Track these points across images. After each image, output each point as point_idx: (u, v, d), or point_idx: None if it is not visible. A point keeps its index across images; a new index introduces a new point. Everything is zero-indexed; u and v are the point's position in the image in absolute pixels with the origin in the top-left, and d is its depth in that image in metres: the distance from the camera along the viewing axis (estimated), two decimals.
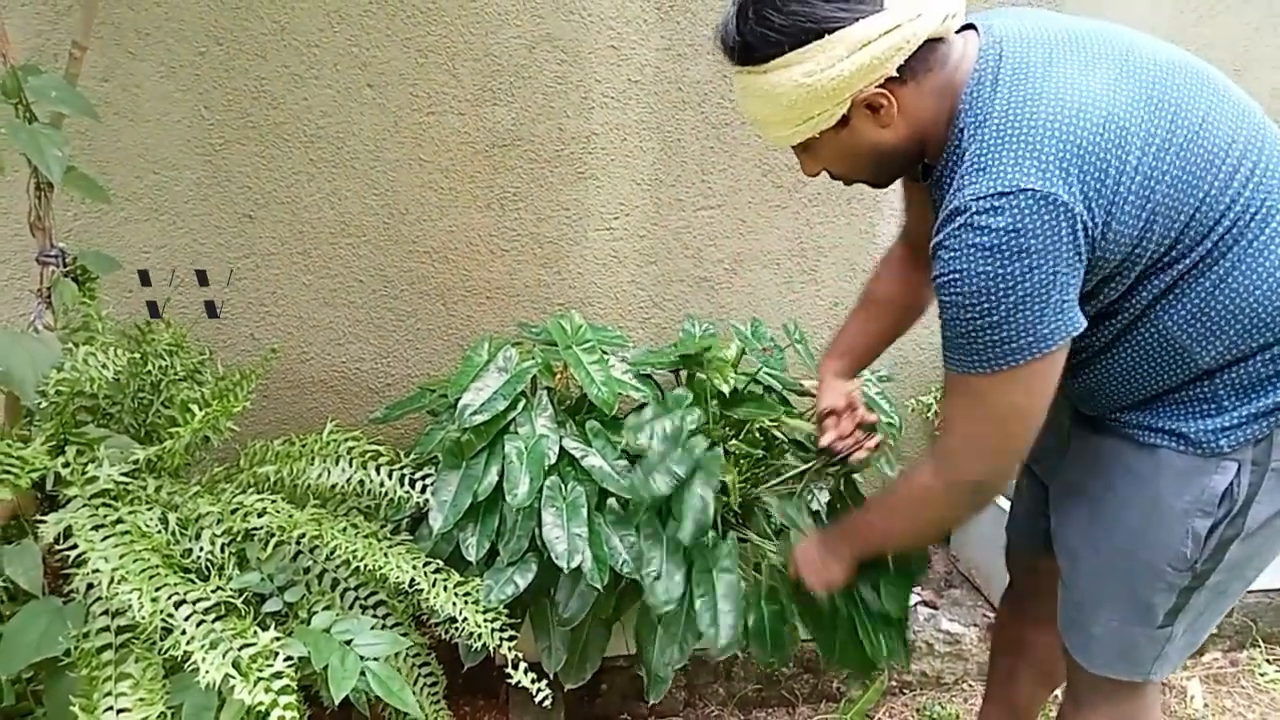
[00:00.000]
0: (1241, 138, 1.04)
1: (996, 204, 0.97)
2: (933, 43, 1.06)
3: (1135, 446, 1.17)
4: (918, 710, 2.05)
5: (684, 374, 1.84)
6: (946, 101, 1.08)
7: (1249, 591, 2.21)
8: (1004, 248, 0.97)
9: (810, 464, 1.65)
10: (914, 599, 2.17)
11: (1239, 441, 1.09)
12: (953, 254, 1.01)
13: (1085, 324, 1.04)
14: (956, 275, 1.01)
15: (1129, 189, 0.99)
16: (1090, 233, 0.99)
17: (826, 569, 1.41)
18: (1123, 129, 0.99)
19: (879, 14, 1.02)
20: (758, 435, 1.74)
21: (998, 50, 1.06)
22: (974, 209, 0.99)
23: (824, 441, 1.52)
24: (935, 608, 2.17)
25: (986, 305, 1.00)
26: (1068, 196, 0.97)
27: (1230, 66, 2.21)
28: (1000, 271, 0.98)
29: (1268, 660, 2.23)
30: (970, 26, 1.11)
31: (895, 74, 1.05)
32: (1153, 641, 1.22)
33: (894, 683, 2.09)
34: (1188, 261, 1.05)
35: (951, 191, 1.04)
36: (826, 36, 1.02)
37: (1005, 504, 2.07)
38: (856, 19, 1.02)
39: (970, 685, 2.12)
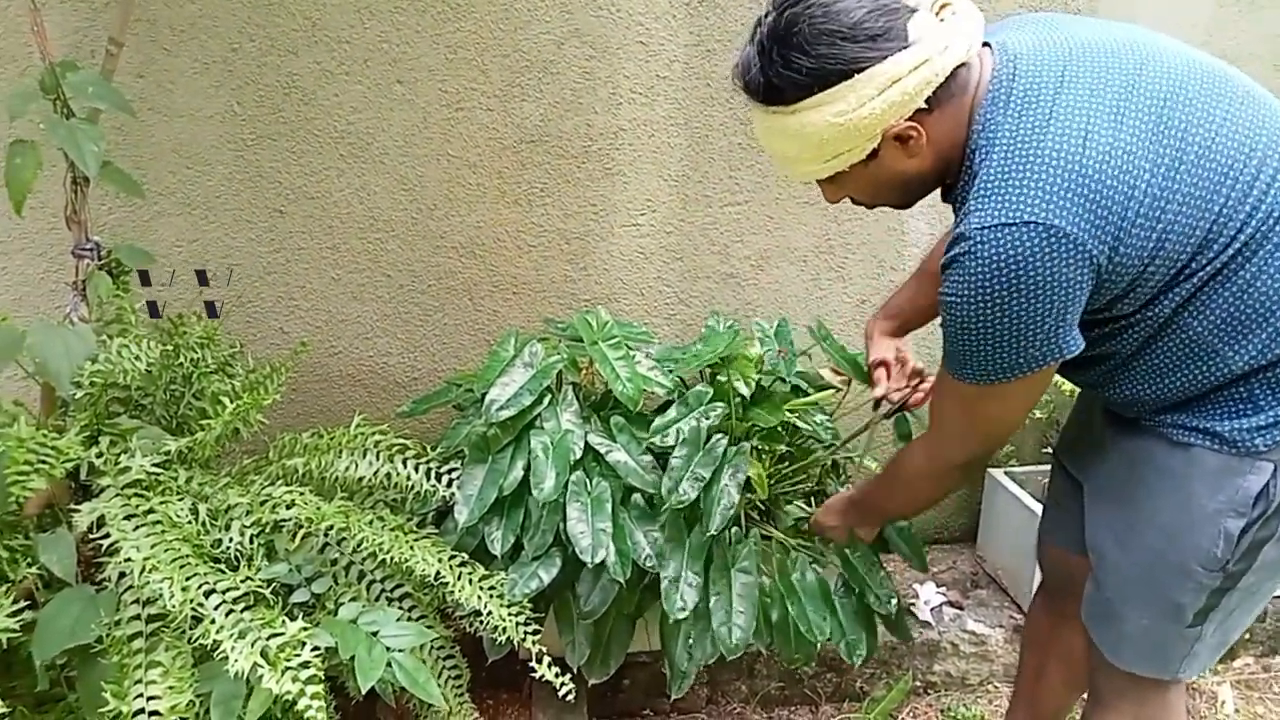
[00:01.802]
0: (1261, 143, 1.03)
1: (1000, 234, 0.99)
2: (957, 69, 1.05)
3: (1168, 445, 1.16)
4: (942, 711, 2.04)
5: (707, 371, 1.84)
6: (965, 123, 1.08)
7: None
8: (1004, 278, 0.99)
9: (870, 418, 1.64)
10: (939, 599, 2.15)
11: (1275, 441, 1.08)
12: (955, 278, 1.03)
13: (1081, 346, 1.06)
14: (957, 299, 1.04)
15: (1137, 214, 0.99)
16: (1095, 260, 1.00)
17: (839, 523, 1.57)
18: (1129, 156, 0.99)
19: (907, 49, 1.01)
20: (780, 430, 1.74)
21: (1011, 69, 1.06)
22: (977, 238, 1.00)
23: (877, 392, 1.55)
24: (961, 608, 2.15)
25: (983, 329, 1.03)
26: (1072, 228, 0.98)
27: (1271, 62, 2.17)
28: (998, 299, 1.01)
29: None
30: (986, 44, 1.10)
31: (923, 105, 1.05)
32: (1182, 640, 1.21)
33: (919, 683, 2.08)
34: (1210, 269, 1.04)
35: (961, 213, 1.05)
36: (856, 76, 1.02)
37: (1035, 505, 2.06)
38: (885, 56, 1.01)
39: (995, 687, 2.10)
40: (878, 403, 1.57)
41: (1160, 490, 1.18)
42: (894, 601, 1.72)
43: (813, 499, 1.83)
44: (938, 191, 1.19)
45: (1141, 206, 0.99)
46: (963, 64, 1.05)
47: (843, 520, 1.57)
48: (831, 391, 1.77)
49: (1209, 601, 1.17)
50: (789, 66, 1.03)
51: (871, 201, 1.22)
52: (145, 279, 1.80)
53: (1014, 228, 0.98)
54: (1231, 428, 1.10)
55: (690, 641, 1.63)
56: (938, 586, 2.20)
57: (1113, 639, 1.28)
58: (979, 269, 1.00)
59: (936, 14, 1.06)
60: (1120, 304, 1.08)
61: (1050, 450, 2.30)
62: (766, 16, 1.06)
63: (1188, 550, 1.15)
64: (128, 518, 1.29)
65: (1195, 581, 1.16)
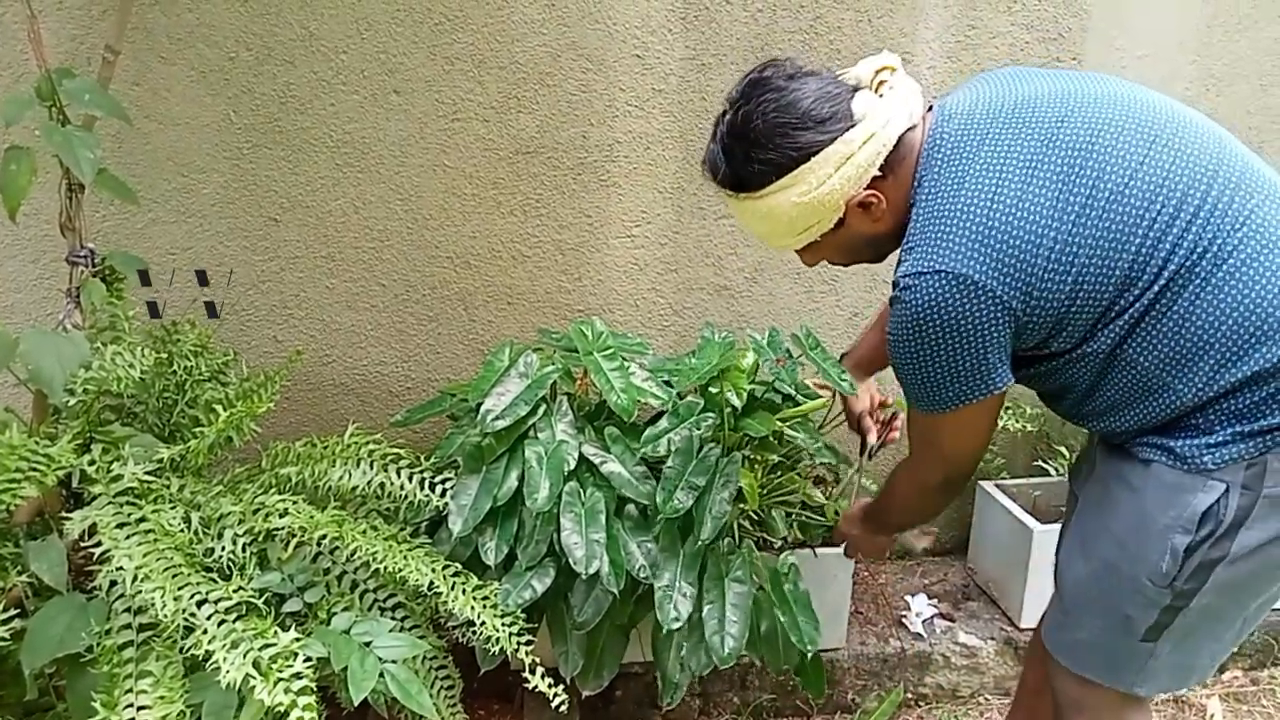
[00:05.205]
0: (1182, 181, 1.08)
1: (916, 282, 1.10)
2: (903, 135, 1.16)
3: (1134, 461, 1.20)
4: None
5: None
6: (911, 182, 1.18)
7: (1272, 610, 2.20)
8: (925, 320, 1.10)
9: (858, 462, 1.76)
10: (931, 611, 2.15)
11: (1225, 460, 1.11)
12: (891, 319, 1.15)
13: (1011, 381, 1.16)
14: (893, 337, 1.16)
15: (1046, 261, 1.07)
16: (1007, 305, 1.08)
17: (873, 541, 1.64)
18: (1035, 209, 1.07)
19: (854, 127, 1.13)
20: (772, 440, 1.74)
21: (941, 130, 1.16)
22: (901, 284, 1.12)
23: (871, 440, 1.68)
24: (952, 620, 2.16)
25: (915, 364, 1.15)
26: (980, 277, 1.07)
27: (1258, 81, 2.20)
28: (923, 338, 1.11)
29: None
30: (930, 107, 1.21)
31: (879, 172, 1.15)
32: (1134, 654, 1.23)
33: (910, 695, 2.08)
34: (1142, 304, 1.09)
35: (897, 262, 1.16)
36: (813, 159, 1.13)
37: (1026, 518, 2.06)
38: (836, 137, 1.13)
39: (986, 699, 2.10)
40: (864, 447, 1.69)
41: (1121, 502, 1.21)
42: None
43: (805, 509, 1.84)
44: None
45: (1050, 254, 1.07)
46: (909, 129, 1.16)
47: (861, 528, 1.63)
48: (822, 402, 1.78)
49: (1161, 618, 1.19)
50: (750, 160, 1.15)
51: (847, 262, 1.33)
52: (145, 279, 1.81)
53: (929, 276, 1.09)
54: (1184, 445, 1.13)
55: (683, 652, 1.63)
56: (929, 598, 2.20)
57: (1067, 643, 1.31)
58: (905, 312, 1.12)
59: (875, 90, 1.17)
60: (1054, 341, 1.14)
61: (1040, 463, 2.33)
62: (725, 115, 1.18)
63: (1138, 563, 1.18)
64: (119, 526, 1.28)
65: (1144, 595, 1.18)
